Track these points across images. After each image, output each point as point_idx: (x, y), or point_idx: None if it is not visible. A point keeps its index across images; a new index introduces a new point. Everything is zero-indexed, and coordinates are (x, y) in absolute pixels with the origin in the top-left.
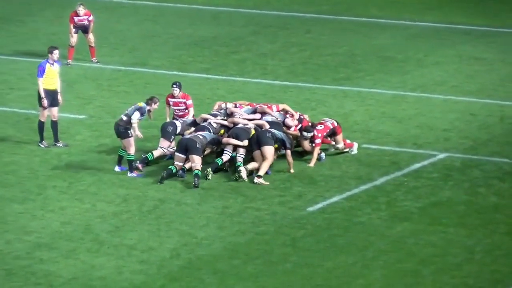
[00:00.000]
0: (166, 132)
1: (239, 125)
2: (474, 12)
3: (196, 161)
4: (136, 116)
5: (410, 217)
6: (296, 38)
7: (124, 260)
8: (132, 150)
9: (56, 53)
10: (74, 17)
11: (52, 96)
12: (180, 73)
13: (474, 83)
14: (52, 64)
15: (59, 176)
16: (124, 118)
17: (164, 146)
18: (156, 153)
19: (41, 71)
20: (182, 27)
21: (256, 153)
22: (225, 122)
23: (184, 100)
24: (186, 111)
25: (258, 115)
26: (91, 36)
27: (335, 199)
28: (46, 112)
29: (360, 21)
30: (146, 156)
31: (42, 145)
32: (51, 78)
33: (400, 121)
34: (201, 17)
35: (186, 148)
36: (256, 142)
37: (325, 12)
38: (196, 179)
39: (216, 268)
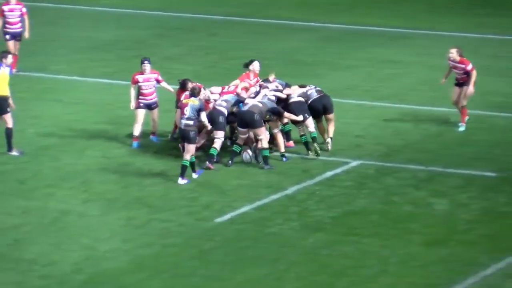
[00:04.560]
0: (219, 123)
1: (294, 99)
2: (389, 13)
3: (261, 135)
4: (204, 117)
5: (323, 227)
6: (202, 41)
7: (24, 275)
8: (191, 155)
9: (10, 58)
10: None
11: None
12: (81, 78)
13: (388, 87)
14: (5, 68)
15: None
16: (190, 122)
17: (221, 136)
18: (217, 145)
19: None
20: (83, 30)
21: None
22: (281, 94)
23: (154, 76)
24: (154, 88)
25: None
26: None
27: (244, 209)
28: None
29: (270, 23)
30: (212, 154)
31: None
32: (1, 83)
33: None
34: (103, 20)
35: (243, 122)
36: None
37: (233, 14)
38: (264, 160)
39: (121, 282)
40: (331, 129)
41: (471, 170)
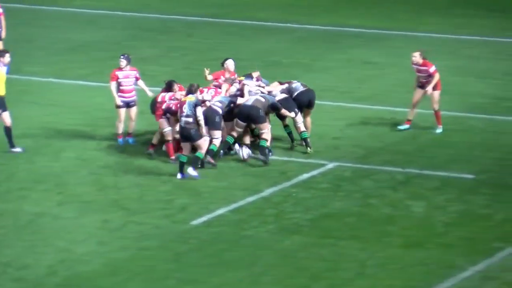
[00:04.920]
0: (216, 123)
1: (279, 97)
2: (366, 13)
3: (264, 129)
4: (200, 112)
5: (300, 229)
6: (178, 42)
7: None
8: (205, 149)
9: (7, 57)
10: None
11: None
12: (57, 80)
13: (365, 89)
14: (2, 67)
15: None
16: (190, 119)
17: (219, 136)
18: (218, 143)
19: None
20: (58, 31)
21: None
22: (264, 91)
23: (134, 73)
24: (133, 86)
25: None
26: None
27: (221, 211)
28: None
29: (245, 24)
30: (212, 149)
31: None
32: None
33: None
34: (78, 21)
35: (248, 117)
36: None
37: (209, 15)
38: (266, 153)
39: (96, 285)
40: (309, 123)
41: (448, 172)
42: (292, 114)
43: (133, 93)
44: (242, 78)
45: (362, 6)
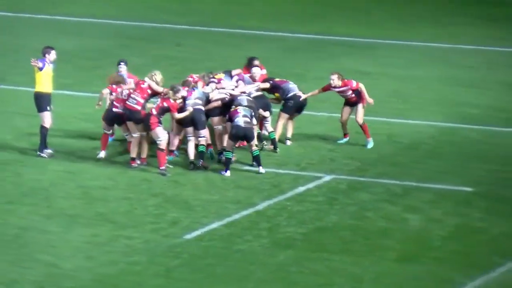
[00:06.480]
0: (202, 122)
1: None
2: (357, 22)
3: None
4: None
5: (293, 244)
6: (166, 51)
7: None
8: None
9: (53, 54)
10: None
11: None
12: None
13: None
14: (49, 64)
15: None
16: (248, 119)
17: (205, 134)
18: (204, 142)
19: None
20: (43, 40)
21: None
22: (235, 92)
23: (131, 80)
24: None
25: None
26: None
27: (213, 225)
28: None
29: (235, 32)
30: (202, 151)
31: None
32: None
33: (281, 140)
34: (63, 29)
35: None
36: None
37: (198, 23)
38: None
39: None
40: (291, 127)
41: (444, 185)
42: (267, 114)
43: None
44: (222, 75)
45: (349, 14)
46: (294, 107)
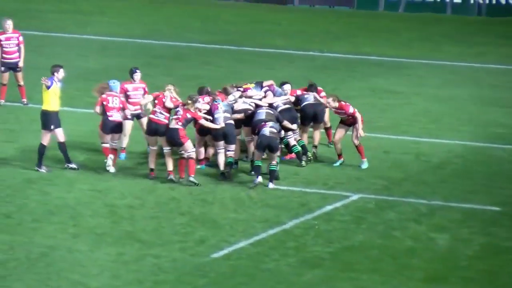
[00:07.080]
0: (234, 136)
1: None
2: (385, 42)
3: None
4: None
5: (321, 263)
6: (192, 70)
7: None
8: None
9: (61, 72)
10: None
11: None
12: (67, 108)
13: (387, 118)
14: (57, 83)
15: None
16: (274, 130)
17: (234, 149)
18: (233, 154)
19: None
20: (69, 59)
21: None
22: (261, 103)
23: (143, 85)
24: (142, 97)
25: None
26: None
27: (241, 244)
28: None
29: (263, 52)
30: (230, 162)
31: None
32: (54, 98)
33: (309, 159)
34: (89, 48)
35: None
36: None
37: (225, 42)
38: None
39: None
40: (317, 137)
41: (472, 204)
42: (294, 126)
43: (139, 106)
44: (252, 85)
45: (377, 35)
46: (307, 117)
